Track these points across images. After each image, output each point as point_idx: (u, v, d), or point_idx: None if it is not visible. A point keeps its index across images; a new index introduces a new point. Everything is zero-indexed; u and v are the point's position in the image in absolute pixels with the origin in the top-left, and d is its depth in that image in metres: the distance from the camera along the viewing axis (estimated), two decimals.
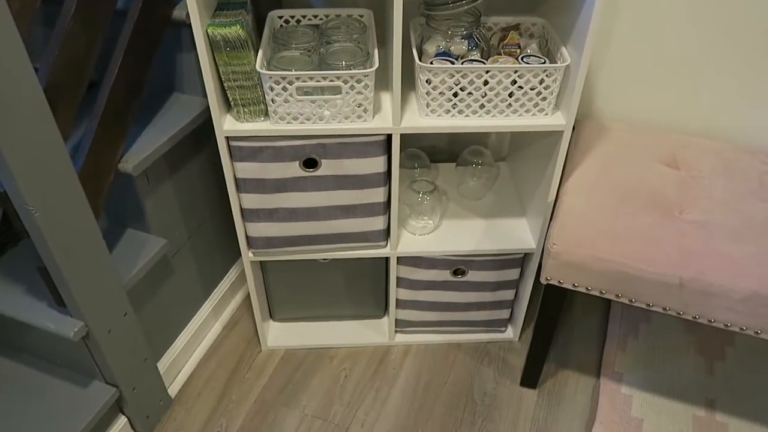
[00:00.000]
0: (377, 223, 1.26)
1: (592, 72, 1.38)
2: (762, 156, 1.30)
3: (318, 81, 1.03)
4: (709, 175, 1.25)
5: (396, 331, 1.53)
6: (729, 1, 1.21)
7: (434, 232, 1.36)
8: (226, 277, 1.59)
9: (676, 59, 1.32)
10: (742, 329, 1.07)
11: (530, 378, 1.42)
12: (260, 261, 1.39)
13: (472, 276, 1.39)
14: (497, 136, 1.55)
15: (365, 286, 1.47)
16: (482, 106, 1.10)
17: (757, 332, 1.06)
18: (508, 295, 1.45)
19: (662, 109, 1.40)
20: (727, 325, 1.07)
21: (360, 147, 1.12)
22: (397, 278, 1.40)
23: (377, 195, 1.21)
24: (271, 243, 1.26)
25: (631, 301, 1.12)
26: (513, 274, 1.40)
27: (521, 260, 1.38)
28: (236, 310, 1.62)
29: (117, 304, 1.14)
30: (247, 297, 1.64)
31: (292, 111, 1.07)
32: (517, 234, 1.35)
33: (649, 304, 1.12)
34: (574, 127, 1.43)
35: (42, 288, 1.12)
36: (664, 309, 1.11)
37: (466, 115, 1.11)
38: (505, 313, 1.50)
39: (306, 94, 1.06)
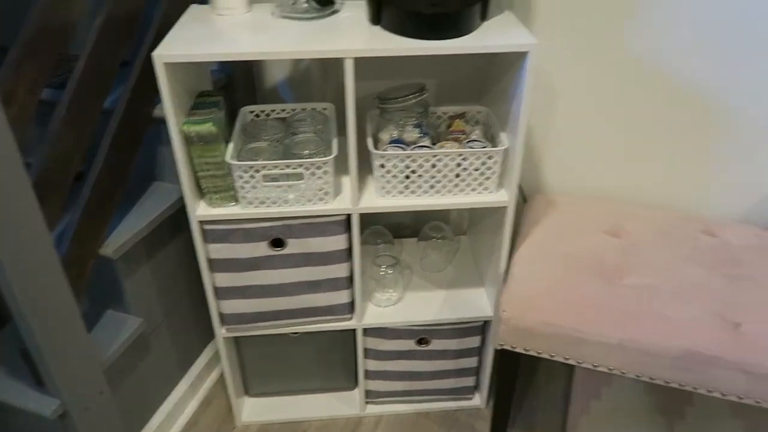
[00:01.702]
0: (342, 296, 1.34)
1: (541, 151, 1.52)
2: (696, 223, 1.42)
3: (282, 169, 1.15)
4: (648, 243, 1.36)
5: (366, 402, 1.58)
6: (655, 84, 1.37)
7: (398, 303, 1.44)
8: (202, 354, 1.65)
9: (612, 137, 1.46)
10: (681, 385, 1.14)
11: None
12: (234, 337, 1.45)
13: (436, 345, 1.46)
14: (457, 211, 1.66)
15: (335, 359, 1.53)
16: (432, 186, 1.22)
17: (695, 388, 1.14)
18: (471, 362, 1.52)
19: (605, 182, 1.53)
20: (667, 382, 1.15)
21: (323, 227, 1.23)
22: (365, 349, 1.46)
23: (341, 270, 1.30)
24: (243, 319, 1.34)
25: (579, 362, 1.20)
26: (474, 341, 1.47)
27: (481, 328, 1.46)
28: (212, 387, 1.66)
29: (94, 383, 1.19)
30: (223, 374, 1.68)
31: (260, 196, 1.18)
32: (476, 303, 1.44)
33: (594, 365, 1.19)
34: (525, 201, 1.56)
35: (24, 369, 1.17)
36: (609, 369, 1.18)
37: (418, 195, 1.23)
38: (470, 381, 1.56)
39: (272, 180, 1.17)
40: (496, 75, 1.30)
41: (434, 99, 1.45)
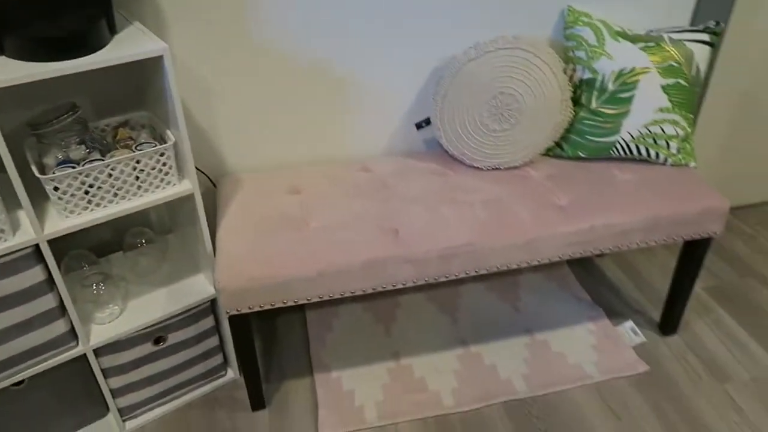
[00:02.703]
0: (59, 327, 1.32)
1: (218, 137, 1.66)
2: (355, 165, 1.74)
3: None
4: (322, 191, 1.62)
5: (124, 420, 1.59)
6: (288, 62, 1.61)
7: (122, 314, 1.48)
8: None
9: (273, 114, 1.68)
10: (373, 289, 1.44)
11: (257, 401, 1.63)
12: None
13: (173, 339, 1.54)
14: (156, 212, 1.73)
15: (77, 394, 1.50)
16: (115, 195, 1.28)
17: (383, 287, 1.45)
18: (213, 342, 1.63)
19: (279, 153, 1.75)
20: (352, 292, 1.44)
21: (10, 265, 1.20)
22: (103, 370, 1.47)
23: (47, 302, 1.28)
24: None
25: (295, 301, 1.42)
26: (209, 322, 1.59)
27: (211, 308, 1.58)
28: None
29: None
30: None
31: None
32: (198, 287, 1.55)
33: (308, 299, 1.42)
34: (215, 185, 1.71)
35: None
36: (320, 297, 1.42)
37: (104, 206, 1.28)
38: (218, 359, 1.68)
39: None
40: (147, 80, 1.39)
41: (95, 114, 1.48)
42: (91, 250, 1.59)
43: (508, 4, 1.64)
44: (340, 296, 1.44)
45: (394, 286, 1.46)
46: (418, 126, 1.75)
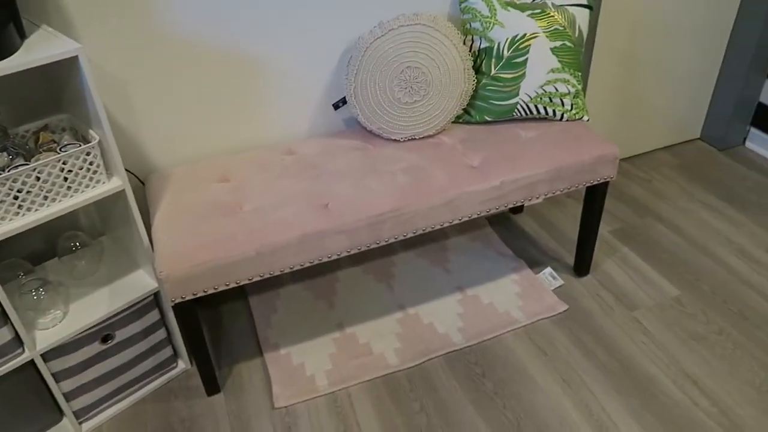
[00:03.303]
0: (2, 335, 1.33)
1: (140, 136, 1.69)
2: (281, 149, 1.81)
3: None
4: (250, 177, 1.69)
5: (81, 422, 1.61)
6: (204, 53, 1.66)
7: (66, 317, 1.49)
8: None
9: (192, 106, 1.72)
10: (310, 263, 1.53)
11: (211, 386, 1.68)
12: None
13: (120, 335, 1.57)
14: (86, 216, 1.74)
15: (28, 402, 1.50)
16: (45, 197, 1.30)
17: (320, 259, 1.54)
18: (160, 335, 1.67)
19: (205, 144, 1.80)
20: (292, 268, 1.52)
21: None
22: (53, 374, 1.49)
23: None
24: None
25: (237, 282, 1.49)
26: (154, 316, 1.63)
27: (155, 302, 1.62)
28: None
29: None
30: None
31: None
32: (139, 283, 1.59)
33: (250, 278, 1.49)
34: (143, 183, 1.74)
35: None
36: (261, 275, 1.50)
37: (36, 210, 1.30)
38: (168, 352, 1.72)
39: None
40: (63, 83, 1.41)
41: (14, 121, 1.48)
42: (25, 260, 1.59)
43: None
44: (280, 272, 1.52)
45: (329, 257, 1.56)
46: (336, 106, 1.84)
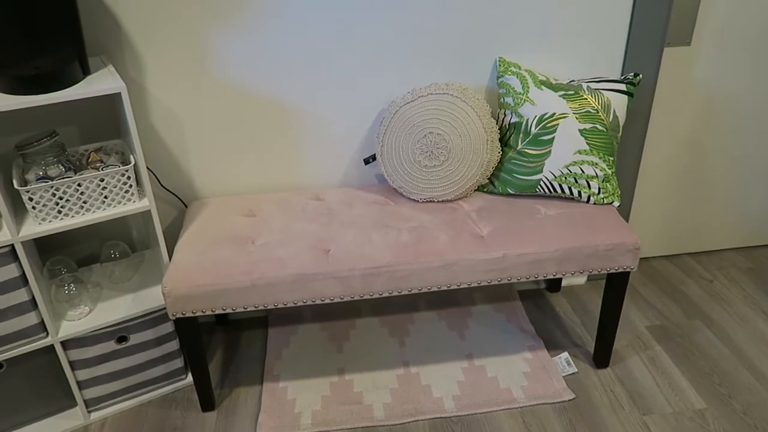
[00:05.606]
0: (30, 319, 1.56)
1: (193, 167, 1.91)
2: (308, 194, 1.94)
3: None
4: (272, 215, 1.83)
5: (90, 411, 1.79)
6: (251, 99, 1.85)
7: (91, 314, 1.70)
8: None
9: (238, 145, 1.92)
10: (304, 302, 1.62)
11: (207, 403, 1.80)
12: None
13: (135, 339, 1.75)
14: (137, 230, 1.97)
15: (48, 383, 1.72)
16: (82, 207, 1.53)
17: (313, 301, 1.62)
18: (173, 346, 1.84)
19: (244, 181, 1.98)
20: (286, 304, 1.62)
21: None
22: (70, 362, 1.69)
23: (21, 296, 1.52)
24: None
25: (233, 308, 1.61)
26: (167, 327, 1.80)
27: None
28: None
29: None
30: None
31: None
32: (159, 295, 1.77)
33: (245, 307, 1.61)
34: (186, 206, 1.94)
35: None
36: (255, 306, 1.61)
37: (72, 216, 1.53)
38: (178, 363, 1.87)
39: None
40: (119, 114, 1.66)
41: (81, 140, 1.75)
42: (78, 261, 1.84)
43: (451, 55, 1.85)
44: (273, 306, 1.62)
45: (322, 300, 1.63)
46: (366, 161, 1.95)
